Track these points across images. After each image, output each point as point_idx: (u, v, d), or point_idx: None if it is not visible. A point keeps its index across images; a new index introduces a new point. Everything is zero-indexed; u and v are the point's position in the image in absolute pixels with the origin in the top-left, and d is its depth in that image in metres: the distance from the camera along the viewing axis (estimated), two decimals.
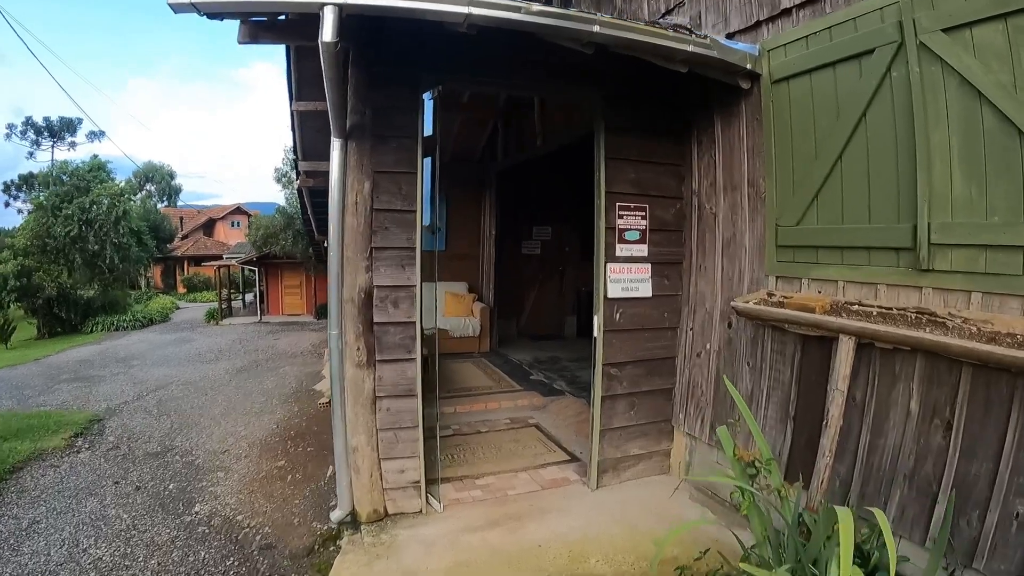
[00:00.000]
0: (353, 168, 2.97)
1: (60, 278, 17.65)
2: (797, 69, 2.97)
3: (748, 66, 3.08)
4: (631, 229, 3.42)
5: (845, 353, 2.48)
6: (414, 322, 3.05)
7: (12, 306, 17.10)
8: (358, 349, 3.00)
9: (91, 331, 16.76)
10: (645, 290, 3.50)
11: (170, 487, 4.48)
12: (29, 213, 20.23)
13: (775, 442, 3.11)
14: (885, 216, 2.59)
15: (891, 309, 2.51)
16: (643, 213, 3.45)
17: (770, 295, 3.02)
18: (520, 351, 7.54)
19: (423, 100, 3.16)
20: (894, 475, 2.55)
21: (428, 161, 3.44)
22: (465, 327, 7.31)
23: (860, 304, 2.63)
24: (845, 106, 2.74)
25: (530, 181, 7.99)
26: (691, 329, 3.61)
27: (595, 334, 3.43)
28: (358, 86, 3.04)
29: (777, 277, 3.08)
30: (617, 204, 3.38)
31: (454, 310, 7.57)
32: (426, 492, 3.38)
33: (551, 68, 3.35)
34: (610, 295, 3.42)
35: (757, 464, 2.02)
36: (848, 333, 2.45)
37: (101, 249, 19.08)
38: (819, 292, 2.88)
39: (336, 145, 3.00)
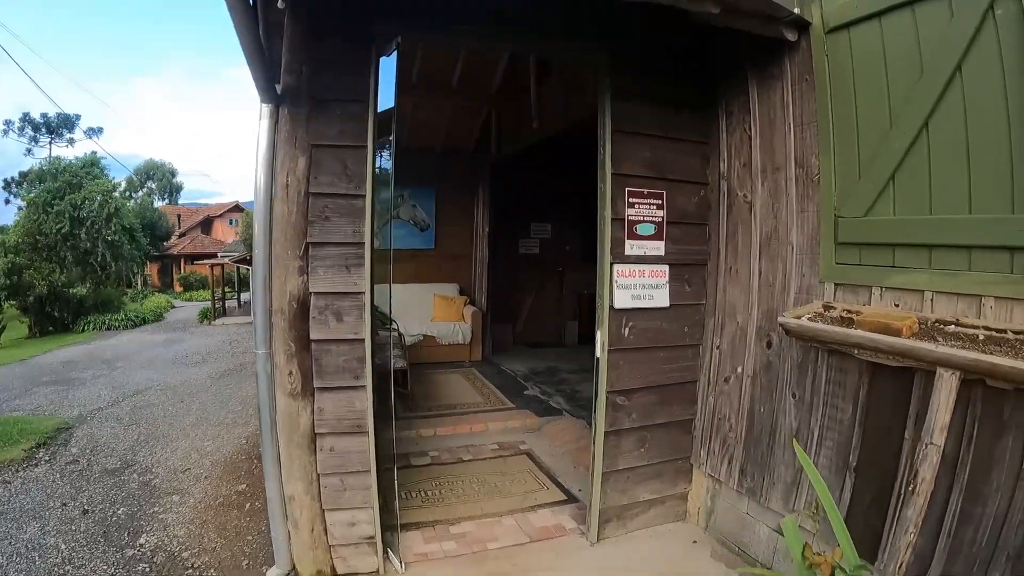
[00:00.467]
0: (284, 141, 2.30)
1: (51, 276, 17.31)
2: (861, 13, 2.28)
3: (795, 10, 2.38)
4: (644, 221, 2.71)
5: (947, 394, 1.77)
6: (363, 339, 2.36)
7: (5, 304, 16.78)
8: (290, 374, 2.32)
9: (83, 330, 16.44)
10: (661, 298, 2.78)
11: (119, 512, 4.03)
12: (22, 209, 19.94)
13: None
14: (993, 203, 1.90)
15: (1004, 332, 1.81)
16: (659, 201, 2.74)
17: (827, 308, 2.32)
18: (515, 360, 6.85)
19: (378, 57, 2.47)
20: (993, 553, 1.87)
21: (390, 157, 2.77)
22: (455, 333, 6.63)
23: (958, 324, 1.93)
24: (931, 58, 2.05)
25: (528, 174, 7.30)
26: (718, 348, 2.91)
27: (597, 354, 2.72)
28: (293, 37, 2.35)
29: (836, 284, 2.38)
30: (627, 189, 2.67)
31: (443, 314, 6.89)
32: (385, 546, 2.71)
33: (546, 24, 2.66)
34: (617, 305, 2.71)
35: (838, 573, 1.33)
36: (952, 367, 1.75)
37: (93, 247, 18.76)
38: (896, 305, 2.17)
39: (265, 112, 2.33)
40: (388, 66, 2.59)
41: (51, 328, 16.76)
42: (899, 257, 2.17)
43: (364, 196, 2.32)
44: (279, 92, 2.35)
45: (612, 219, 2.65)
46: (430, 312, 6.94)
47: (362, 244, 2.33)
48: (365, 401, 2.39)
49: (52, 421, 6.26)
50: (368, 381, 2.37)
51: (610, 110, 2.64)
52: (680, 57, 2.88)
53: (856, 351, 2.13)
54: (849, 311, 2.25)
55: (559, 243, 8.17)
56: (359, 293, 2.34)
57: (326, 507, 2.54)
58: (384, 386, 2.69)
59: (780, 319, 2.20)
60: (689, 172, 2.86)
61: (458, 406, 5.00)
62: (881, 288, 2.22)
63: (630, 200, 2.66)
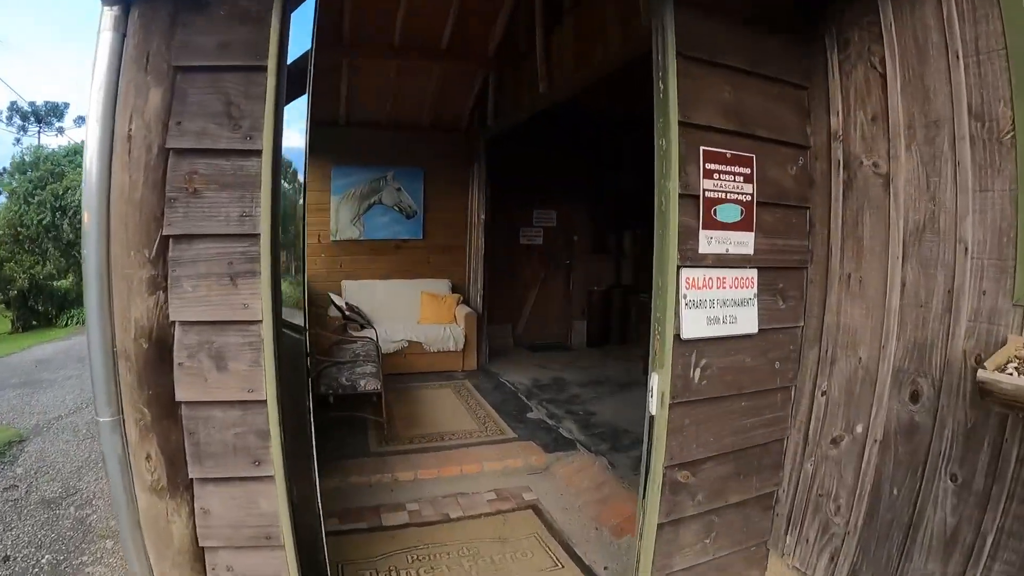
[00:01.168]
0: (131, 62, 1.35)
1: (33, 269, 16.58)
2: None
3: None
4: (728, 200, 1.72)
5: None
6: (263, 400, 1.42)
7: None
8: (147, 458, 1.39)
9: (66, 325, 15.71)
10: (747, 321, 1.81)
11: (44, 560, 3.29)
12: (5, 199, 19.15)
13: None
14: None
15: None
16: (747, 170, 1.77)
17: None
18: (516, 369, 5.92)
19: None
20: None
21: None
22: (445, 338, 5.70)
23: None
24: None
25: (531, 153, 6.34)
26: (823, 393, 1.96)
27: (652, 410, 1.74)
28: None
29: None
30: (702, 149, 1.68)
31: (432, 315, 5.95)
32: None
33: None
34: (687, 334, 1.74)
35: None
36: None
37: (76, 238, 17.95)
38: None
39: (106, 21, 1.37)
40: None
41: (35, 323, 16.07)
42: None
43: (260, 153, 1.36)
44: None
45: (680, 196, 1.66)
46: (416, 313, 6.00)
47: (256, 236, 1.38)
48: (275, 499, 1.45)
49: (6, 433, 5.57)
50: (278, 468, 1.43)
51: (673, 24, 1.65)
52: None
53: None
54: None
55: (566, 232, 7.21)
56: (253, 322, 1.39)
57: None
58: (302, 397, 1.77)
59: (981, 375, 1.26)
60: (783, 128, 1.89)
61: (446, 435, 4.08)
62: None
63: (706, 166, 1.68)
